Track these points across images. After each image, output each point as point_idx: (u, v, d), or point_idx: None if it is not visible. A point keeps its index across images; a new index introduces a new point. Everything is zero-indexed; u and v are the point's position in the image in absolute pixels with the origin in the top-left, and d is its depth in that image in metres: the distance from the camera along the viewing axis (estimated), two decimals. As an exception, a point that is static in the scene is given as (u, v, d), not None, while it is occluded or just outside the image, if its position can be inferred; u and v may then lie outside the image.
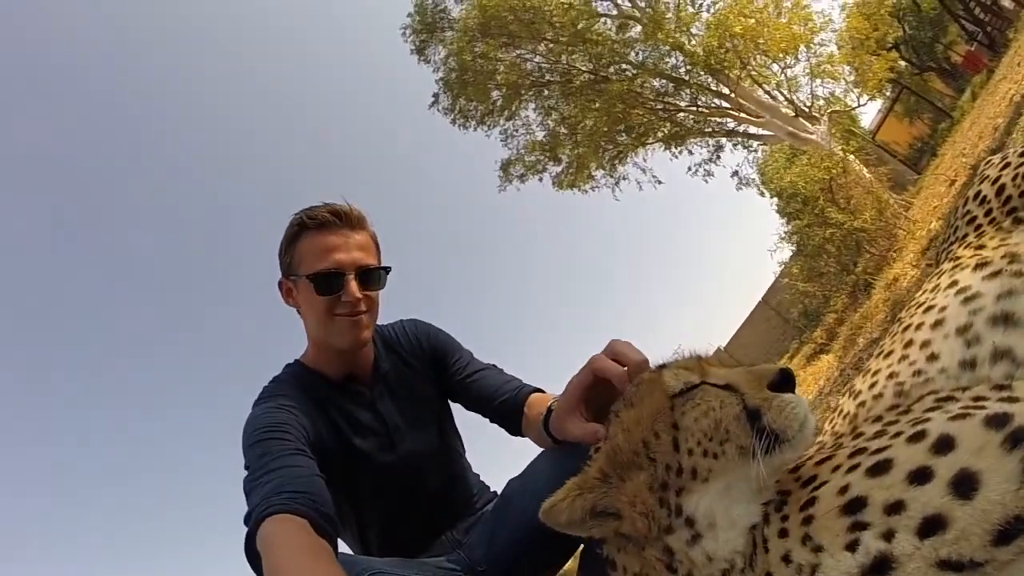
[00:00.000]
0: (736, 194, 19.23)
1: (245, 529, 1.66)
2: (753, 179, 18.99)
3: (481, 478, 2.53)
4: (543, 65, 18.47)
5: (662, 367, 1.41)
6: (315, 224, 2.11)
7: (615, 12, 18.12)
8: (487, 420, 2.32)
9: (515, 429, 2.21)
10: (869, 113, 24.98)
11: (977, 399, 1.15)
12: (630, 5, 17.94)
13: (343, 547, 1.94)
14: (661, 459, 1.22)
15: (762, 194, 18.47)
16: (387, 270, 2.22)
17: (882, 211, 11.55)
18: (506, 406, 2.22)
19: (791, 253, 13.47)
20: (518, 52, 18.28)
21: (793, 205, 12.14)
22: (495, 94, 18.90)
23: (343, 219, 2.12)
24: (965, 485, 0.92)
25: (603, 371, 1.56)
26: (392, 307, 2.42)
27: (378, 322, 2.34)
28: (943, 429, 1.01)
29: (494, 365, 2.40)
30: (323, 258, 2.08)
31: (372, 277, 2.15)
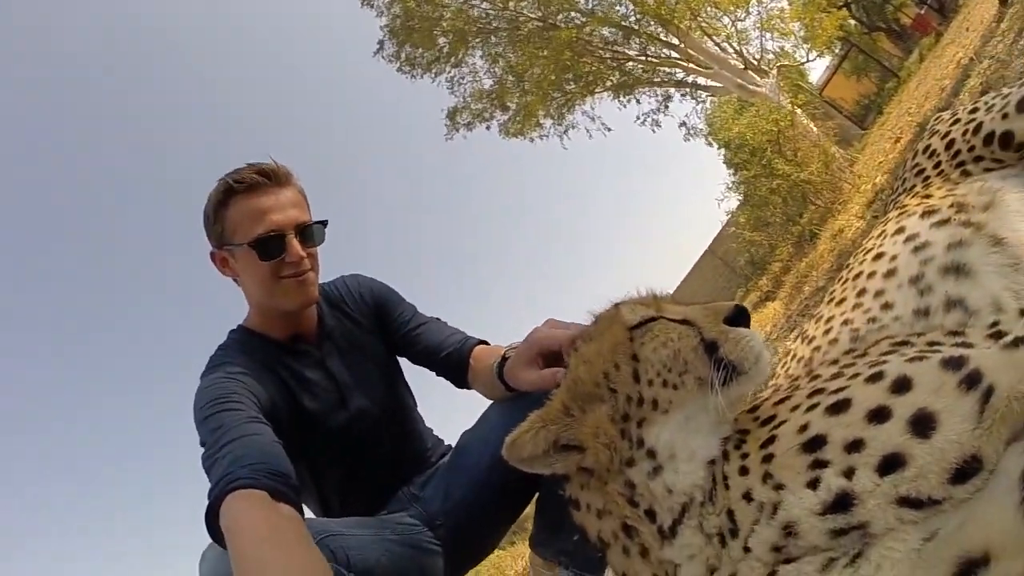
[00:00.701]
0: (683, 144, 19.49)
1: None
2: (701, 130, 19.11)
3: (434, 432, 2.50)
4: (490, 11, 18.24)
5: (619, 304, 1.41)
6: (243, 187, 1.99)
7: (563, -42, 17.71)
8: (433, 373, 2.32)
9: (461, 381, 2.23)
10: (817, 69, 25.22)
11: (932, 344, 1.18)
12: (579, -48, 17.59)
13: (306, 512, 1.85)
14: (622, 390, 1.23)
15: (710, 144, 18.59)
16: (324, 223, 2.15)
17: (828, 164, 11.70)
18: (451, 359, 2.22)
19: (738, 203, 13.59)
20: (464, -2, 17.91)
21: (741, 156, 12.20)
22: (441, 41, 18.71)
23: (271, 177, 2.02)
24: (923, 424, 0.93)
25: (549, 338, 1.64)
26: (338, 264, 2.43)
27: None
28: (901, 370, 1.03)
29: (437, 318, 2.38)
30: (259, 222, 1.98)
31: (311, 233, 2.09)
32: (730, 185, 13.42)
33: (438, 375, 2.29)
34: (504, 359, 1.90)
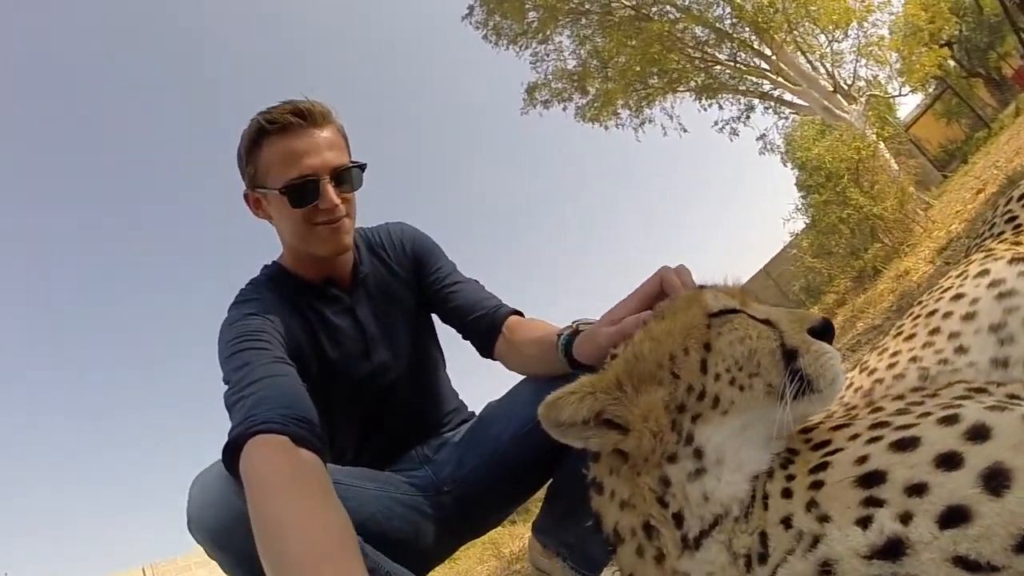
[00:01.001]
0: (756, 158, 19.16)
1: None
2: (778, 146, 18.80)
3: (459, 396, 2.46)
4: (585, -8, 17.96)
5: (703, 287, 1.36)
6: (276, 128, 1.92)
7: (669, -50, 17.48)
8: (460, 335, 2.25)
9: (487, 348, 2.15)
10: (907, 106, 24.77)
11: (1013, 396, 1.11)
12: (687, -54, 17.33)
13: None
14: (685, 377, 1.16)
15: (784, 163, 18.23)
16: (362, 167, 2.06)
17: (903, 203, 11.36)
18: (482, 322, 2.15)
19: (804, 227, 13.33)
20: (561, -26, 17.81)
21: (815, 179, 11.93)
22: (531, 15, 18.59)
23: (307, 118, 1.93)
24: (996, 480, 0.84)
25: (670, 283, 1.47)
26: (388, 214, 2.49)
27: (364, 225, 2.31)
28: (979, 417, 0.94)
29: (476, 280, 2.31)
30: (292, 165, 1.91)
31: (348, 177, 2.00)
32: (799, 206, 13.15)
33: (464, 338, 2.22)
34: (575, 332, 1.74)
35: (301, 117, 1.92)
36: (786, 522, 0.98)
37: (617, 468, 1.17)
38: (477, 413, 2.32)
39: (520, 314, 2.16)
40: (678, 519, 1.07)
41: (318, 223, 1.95)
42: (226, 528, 1.55)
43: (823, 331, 1.20)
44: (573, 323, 1.82)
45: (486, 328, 2.13)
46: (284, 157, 1.91)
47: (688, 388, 1.14)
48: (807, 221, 13.11)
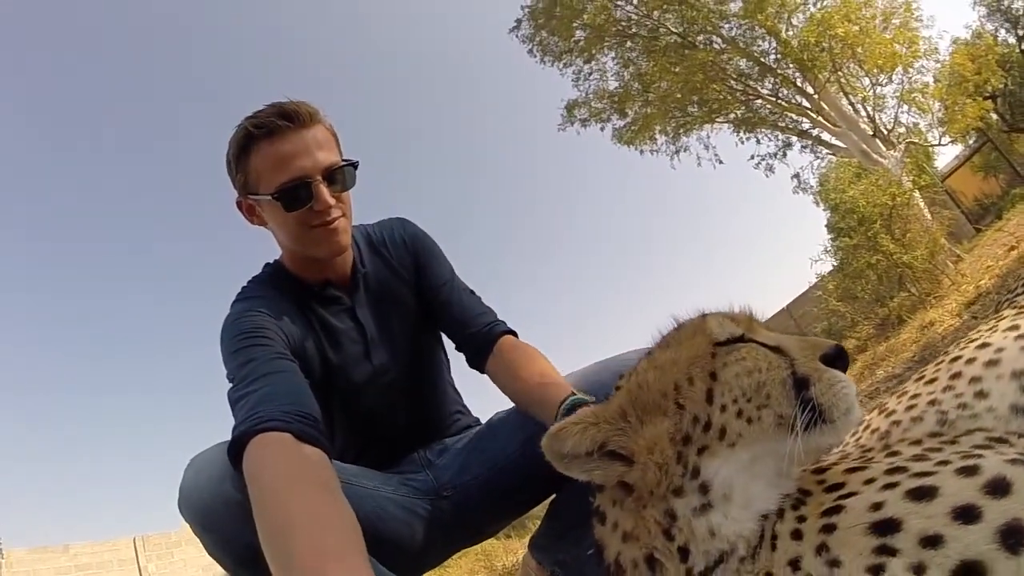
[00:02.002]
0: (787, 195, 18.99)
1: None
2: (812, 186, 18.68)
3: (462, 398, 2.43)
4: (633, 16, 18.12)
5: (707, 315, 1.29)
6: (264, 132, 1.88)
7: (720, -20, 17.48)
8: (453, 345, 2.23)
9: (478, 362, 2.12)
10: (945, 156, 24.48)
11: None
12: (737, -22, 17.33)
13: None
14: (690, 408, 1.13)
15: (817, 204, 18.11)
16: (355, 164, 2.02)
17: (934, 253, 11.25)
18: (476, 337, 2.12)
19: (831, 268, 13.21)
20: (612, -3, 17.87)
21: (847, 222, 11.82)
22: (578, 34, 18.65)
23: (294, 119, 1.89)
24: (1014, 537, 0.82)
25: None
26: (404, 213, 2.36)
27: (368, 223, 2.31)
28: (1000, 470, 0.92)
29: (472, 291, 2.27)
30: (283, 169, 1.88)
31: (340, 176, 1.97)
32: (828, 248, 13.04)
33: (456, 349, 2.19)
34: (573, 407, 1.61)
35: (288, 119, 1.89)
36: (794, 564, 0.96)
37: (621, 500, 1.15)
38: (482, 419, 2.30)
39: (515, 334, 2.13)
40: (683, 553, 1.04)
41: (314, 225, 1.93)
42: (212, 511, 1.56)
43: (836, 358, 1.16)
44: (571, 395, 1.71)
45: (479, 343, 2.10)
46: (274, 161, 1.89)
47: (694, 419, 1.11)
48: (835, 263, 12.98)
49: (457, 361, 2.31)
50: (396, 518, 1.87)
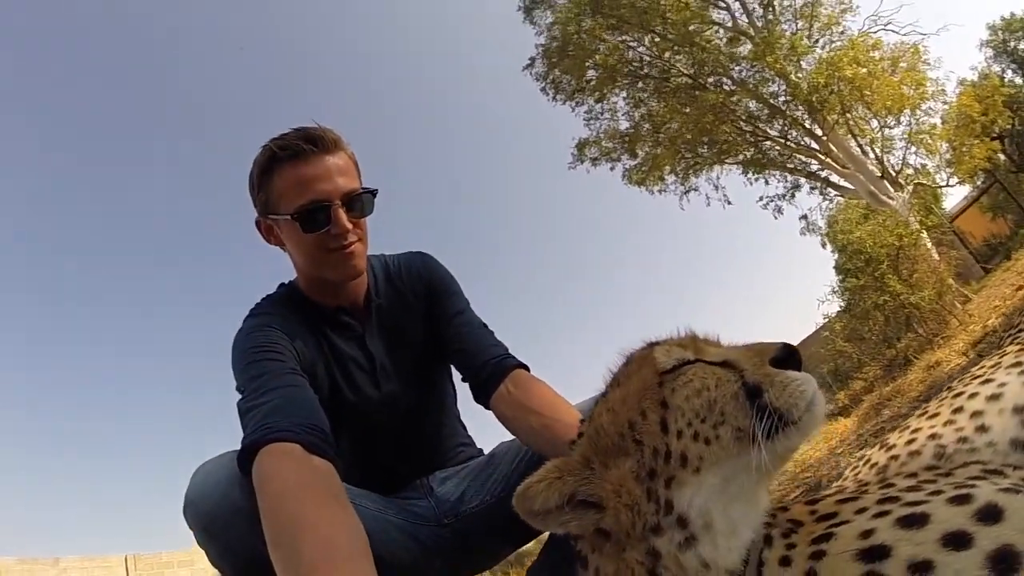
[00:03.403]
0: (793, 235, 18.94)
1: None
2: (820, 228, 18.68)
3: (467, 431, 2.43)
4: (644, 57, 18.35)
5: (652, 344, 1.27)
6: (288, 155, 1.92)
7: (730, 24, 17.86)
8: (461, 377, 2.18)
9: (484, 396, 2.04)
10: (953, 197, 24.42)
11: None
12: (746, 22, 17.67)
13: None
14: (648, 442, 1.10)
15: (824, 246, 18.12)
16: (374, 192, 2.05)
17: (942, 295, 11.09)
18: (484, 370, 2.04)
19: (838, 310, 13.12)
20: (623, 38, 18.20)
21: (854, 262, 11.73)
22: (591, 73, 18.82)
23: (318, 144, 1.94)
24: (1006, 563, 0.81)
25: None
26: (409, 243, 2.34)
27: (387, 253, 2.29)
28: (992, 498, 0.90)
29: (485, 325, 2.22)
30: (304, 191, 1.91)
31: (359, 203, 1.99)
32: (835, 288, 12.97)
33: (464, 379, 2.14)
34: None
35: (312, 143, 1.91)
36: None
37: (600, 546, 1.12)
38: (486, 451, 2.28)
39: (526, 368, 2.06)
40: None
41: (330, 249, 1.94)
42: (218, 517, 1.58)
43: (786, 358, 1.14)
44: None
45: (487, 376, 2.02)
46: (295, 183, 1.91)
47: (654, 452, 1.08)
48: (842, 304, 12.89)
49: (464, 397, 2.28)
50: (396, 541, 1.87)
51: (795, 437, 1.06)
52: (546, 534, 1.94)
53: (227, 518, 1.57)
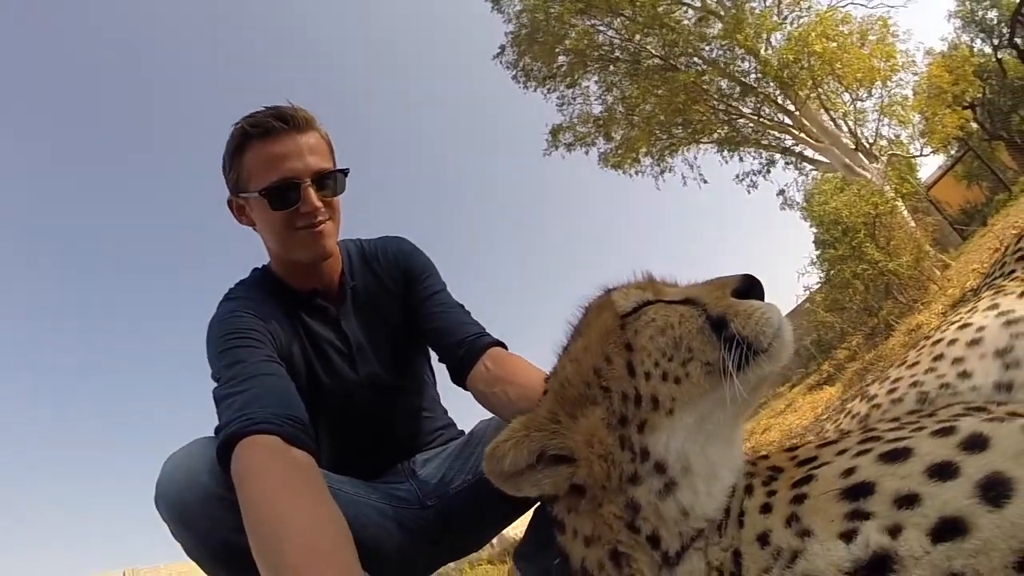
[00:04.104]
0: (772, 211, 19.04)
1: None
2: (798, 202, 18.60)
3: (448, 413, 2.43)
4: (614, 40, 18.37)
5: (610, 290, 1.25)
6: (259, 132, 1.91)
7: (698, 4, 17.84)
8: (437, 357, 2.16)
9: (460, 375, 2.02)
10: (928, 167, 24.66)
11: (1013, 413, 0.98)
12: (714, 1, 17.68)
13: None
14: (616, 387, 1.07)
15: (804, 219, 18.24)
16: (345, 172, 2.04)
17: (920, 261, 11.26)
18: (460, 348, 2.02)
19: (818, 281, 13.18)
20: (592, 22, 18.20)
21: (832, 233, 11.76)
22: (561, 59, 18.87)
23: (289, 122, 1.93)
24: (996, 491, 0.78)
25: None
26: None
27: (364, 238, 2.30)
28: (977, 427, 0.87)
29: (462, 306, 2.20)
30: (274, 169, 1.90)
31: (331, 181, 1.99)
32: (814, 260, 13.01)
33: (440, 360, 2.13)
34: None
35: (284, 121, 1.91)
36: (762, 539, 0.91)
37: (575, 505, 1.09)
38: (464, 431, 2.30)
39: (503, 346, 2.04)
40: (654, 540, 1.00)
41: (299, 227, 1.93)
42: (189, 505, 1.55)
43: (748, 289, 1.13)
44: None
45: (462, 355, 2.01)
46: (266, 161, 1.90)
47: (623, 397, 1.06)
48: (821, 276, 12.96)
49: (443, 381, 2.28)
50: (378, 525, 1.86)
51: (766, 364, 1.04)
52: (530, 513, 1.94)
53: (198, 505, 1.54)
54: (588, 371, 1.12)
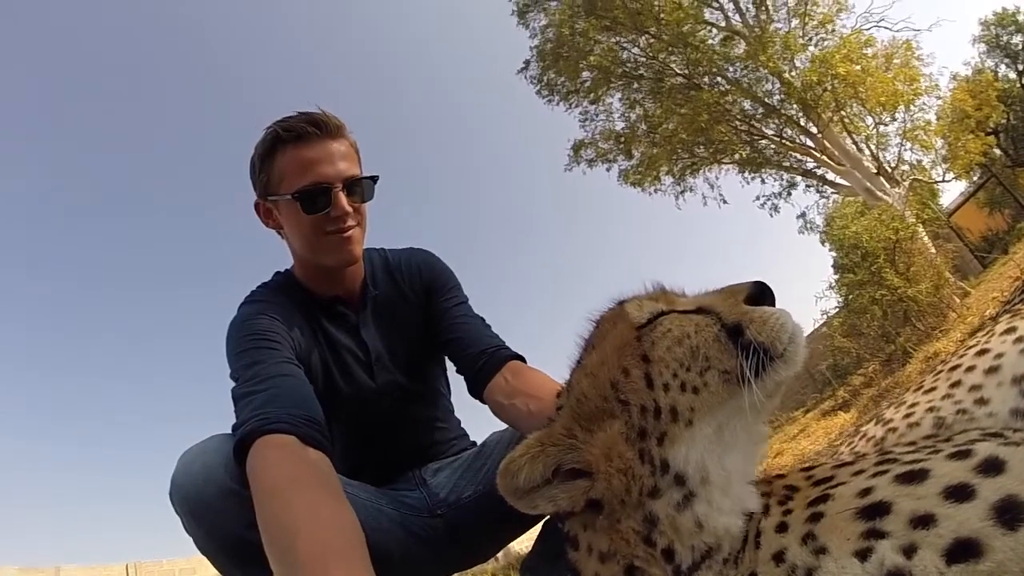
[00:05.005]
0: (791, 234, 18.87)
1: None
2: (817, 226, 18.62)
3: (462, 424, 2.43)
4: (639, 58, 18.34)
5: (623, 301, 1.25)
6: (292, 136, 1.94)
7: (723, 24, 17.85)
8: (455, 368, 2.17)
9: (477, 387, 2.03)
10: (950, 193, 24.42)
11: None
12: (740, 22, 17.65)
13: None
14: (634, 400, 1.07)
15: (823, 243, 18.13)
16: (374, 179, 2.07)
17: (939, 287, 11.13)
18: (478, 361, 2.03)
19: (836, 306, 13.04)
20: (617, 39, 18.19)
21: (851, 257, 11.65)
22: (585, 75, 18.86)
23: (322, 128, 1.96)
24: (1011, 514, 0.79)
25: None
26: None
27: (389, 247, 2.30)
28: (993, 451, 0.88)
29: (483, 319, 2.22)
30: (306, 173, 1.93)
31: (360, 188, 2.01)
32: (832, 284, 12.88)
33: (458, 371, 2.14)
34: None
35: (316, 127, 1.94)
36: (778, 557, 0.92)
37: (591, 521, 1.08)
38: (476, 442, 2.30)
39: (523, 359, 2.05)
40: (668, 554, 0.99)
41: (328, 232, 1.95)
42: (204, 499, 1.56)
43: (760, 296, 1.14)
44: None
45: (481, 367, 2.01)
46: (298, 165, 1.92)
47: (642, 410, 1.05)
48: (840, 301, 12.81)
49: (457, 392, 2.32)
50: (388, 532, 1.86)
51: (783, 370, 1.05)
52: (539, 526, 1.95)
53: (213, 499, 1.56)
54: (605, 384, 1.12)
